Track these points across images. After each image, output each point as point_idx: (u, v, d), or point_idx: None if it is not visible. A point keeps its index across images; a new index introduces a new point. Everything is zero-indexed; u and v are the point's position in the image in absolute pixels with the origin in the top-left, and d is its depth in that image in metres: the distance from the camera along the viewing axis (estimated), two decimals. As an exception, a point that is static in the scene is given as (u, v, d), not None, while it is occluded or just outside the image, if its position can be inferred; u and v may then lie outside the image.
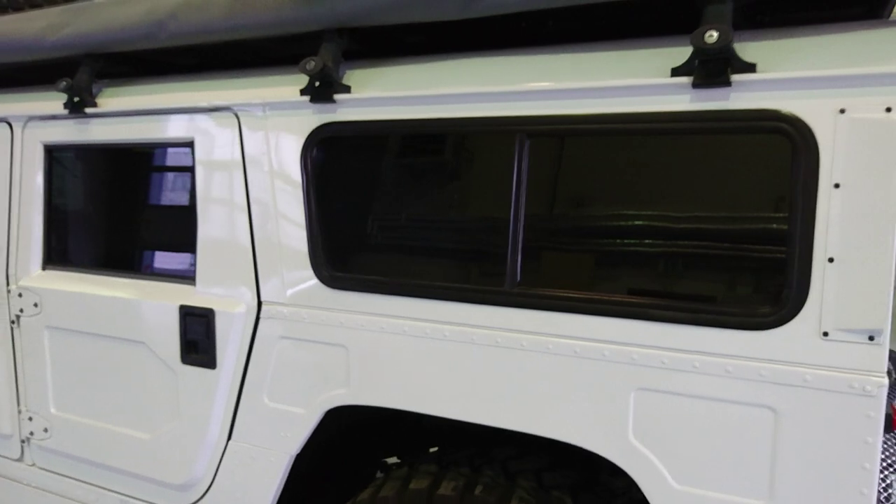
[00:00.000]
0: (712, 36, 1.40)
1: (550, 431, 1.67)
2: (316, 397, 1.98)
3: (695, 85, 1.48)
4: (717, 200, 1.53)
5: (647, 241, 1.59)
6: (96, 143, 2.36)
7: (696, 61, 1.46)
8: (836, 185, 1.38)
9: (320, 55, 1.84)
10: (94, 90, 2.34)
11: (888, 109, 1.34)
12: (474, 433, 2.06)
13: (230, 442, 2.15)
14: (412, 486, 1.84)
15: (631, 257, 1.61)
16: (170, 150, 2.27)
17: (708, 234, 1.54)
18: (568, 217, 1.68)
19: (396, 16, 1.75)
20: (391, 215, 1.89)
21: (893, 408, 1.52)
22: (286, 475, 2.08)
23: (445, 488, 1.79)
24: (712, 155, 1.53)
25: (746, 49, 1.48)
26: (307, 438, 2.02)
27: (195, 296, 2.16)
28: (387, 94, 1.82)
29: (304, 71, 1.83)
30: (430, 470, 1.89)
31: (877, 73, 1.34)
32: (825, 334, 1.40)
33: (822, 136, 1.39)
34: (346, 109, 1.89)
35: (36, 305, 2.49)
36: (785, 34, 1.48)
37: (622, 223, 1.62)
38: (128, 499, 2.41)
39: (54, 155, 2.50)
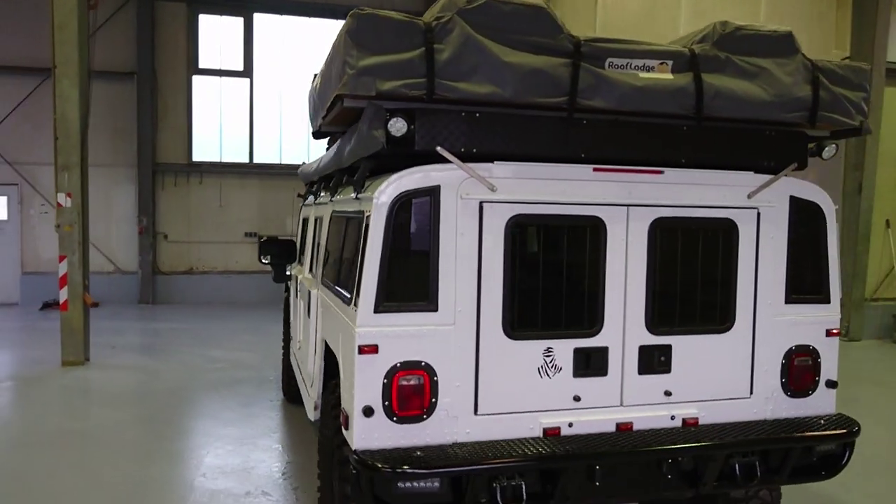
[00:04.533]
0: (352, 181, 3.37)
1: None
2: None
3: (355, 199, 3.42)
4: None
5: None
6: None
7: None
8: (366, 242, 3.14)
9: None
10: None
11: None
12: None
13: None
14: None
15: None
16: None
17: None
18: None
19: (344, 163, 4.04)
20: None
21: None
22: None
23: None
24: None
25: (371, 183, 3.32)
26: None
27: None
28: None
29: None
30: None
31: (367, 197, 3.12)
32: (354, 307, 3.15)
33: (372, 218, 3.13)
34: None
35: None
36: (375, 179, 3.27)
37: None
38: None
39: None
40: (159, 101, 15.04)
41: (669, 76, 3.37)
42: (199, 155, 15.49)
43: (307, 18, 15.83)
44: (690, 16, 11.33)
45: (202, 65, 15.39)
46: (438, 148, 3.09)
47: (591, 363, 3.39)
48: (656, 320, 3.49)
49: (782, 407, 3.70)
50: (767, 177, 3.59)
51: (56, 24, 8.62)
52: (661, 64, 3.39)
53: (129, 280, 14.90)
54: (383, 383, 3.11)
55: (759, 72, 3.48)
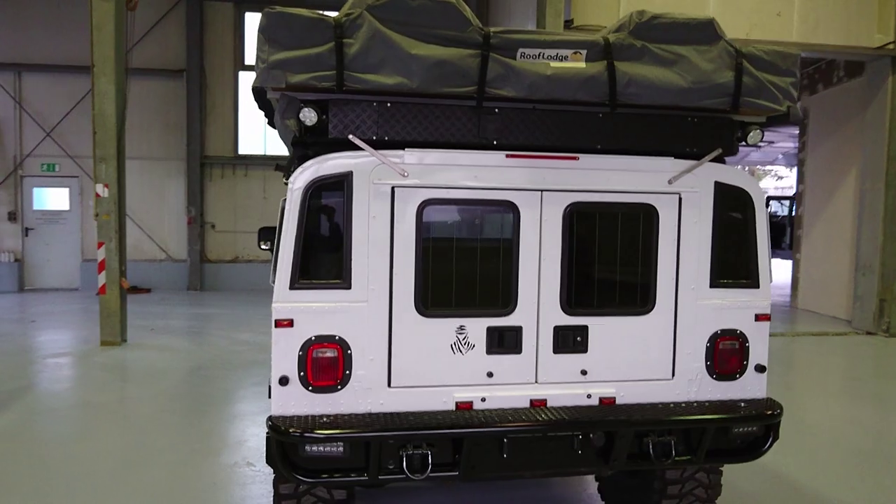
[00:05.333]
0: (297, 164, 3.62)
1: None
2: None
3: (284, 185, 3.66)
4: None
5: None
6: None
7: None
8: (283, 224, 3.40)
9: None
10: None
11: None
12: None
13: None
14: None
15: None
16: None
17: None
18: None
19: None
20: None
21: None
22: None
23: None
24: None
25: None
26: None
27: None
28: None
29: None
30: None
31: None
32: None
33: (287, 202, 3.41)
34: None
35: None
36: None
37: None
38: None
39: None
40: (207, 97, 15.77)
41: (582, 65, 3.47)
42: (244, 148, 16.17)
43: (348, 14, 16.21)
44: (719, 0, 11.15)
45: (248, 61, 16.00)
46: (350, 136, 3.30)
47: (504, 341, 3.54)
48: (572, 301, 3.60)
49: (707, 389, 3.74)
50: (690, 162, 3.64)
51: (94, 25, 9.25)
52: (575, 53, 3.49)
53: (179, 268, 15.72)
54: (299, 355, 3.35)
55: (678, 59, 3.53)
